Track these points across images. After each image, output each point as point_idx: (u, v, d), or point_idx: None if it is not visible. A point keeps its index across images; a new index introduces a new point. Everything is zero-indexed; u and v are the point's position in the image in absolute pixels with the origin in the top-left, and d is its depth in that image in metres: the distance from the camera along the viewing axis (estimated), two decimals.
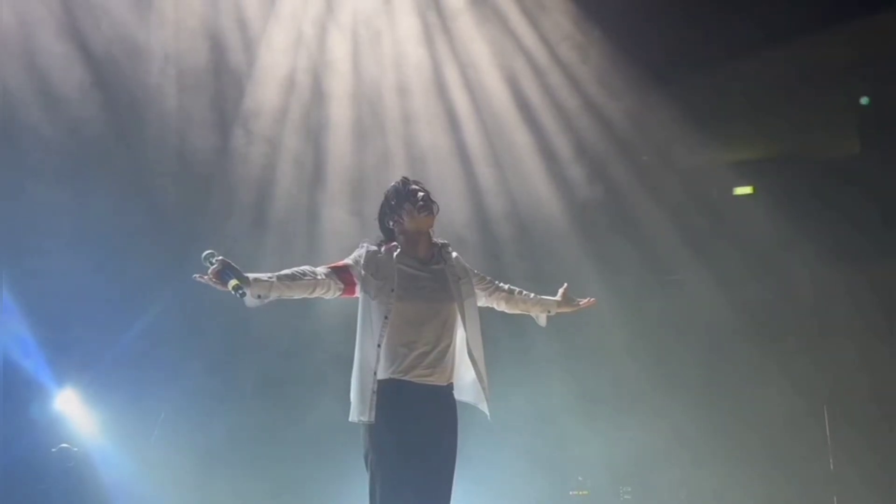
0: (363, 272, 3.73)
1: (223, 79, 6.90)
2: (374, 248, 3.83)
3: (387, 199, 3.89)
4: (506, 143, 7.25)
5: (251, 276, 3.52)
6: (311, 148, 7.16)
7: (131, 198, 6.78)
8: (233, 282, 3.41)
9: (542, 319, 4.22)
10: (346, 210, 7.04)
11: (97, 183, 6.66)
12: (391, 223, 3.87)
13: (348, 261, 3.79)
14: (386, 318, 3.65)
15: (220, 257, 3.46)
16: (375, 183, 6.73)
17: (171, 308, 6.75)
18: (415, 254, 3.81)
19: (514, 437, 6.93)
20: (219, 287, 3.44)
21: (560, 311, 4.19)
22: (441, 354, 3.72)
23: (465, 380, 3.83)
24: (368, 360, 3.65)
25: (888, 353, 6.92)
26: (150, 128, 6.79)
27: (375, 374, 3.63)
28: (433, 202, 3.86)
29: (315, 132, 7.17)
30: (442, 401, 3.75)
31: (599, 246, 7.28)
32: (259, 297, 3.52)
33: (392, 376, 3.65)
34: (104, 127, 6.62)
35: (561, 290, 4.22)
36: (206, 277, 3.45)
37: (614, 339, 7.14)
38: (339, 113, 7.16)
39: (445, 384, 3.76)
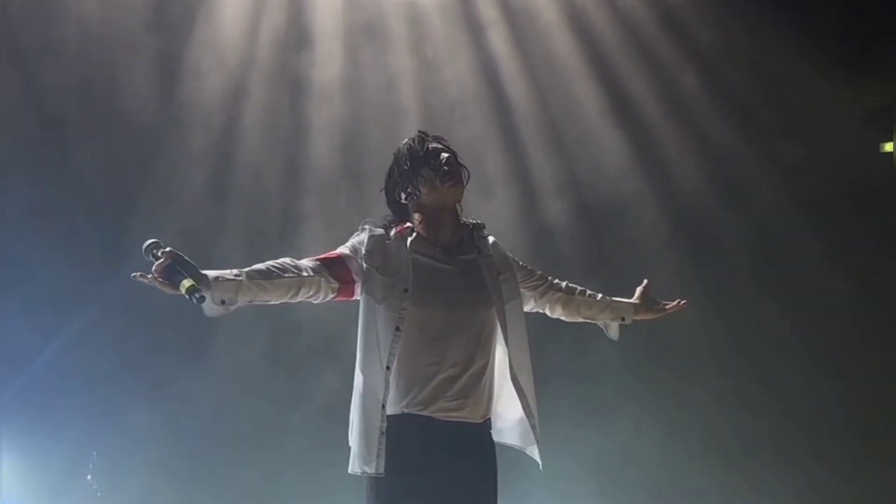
0: (365, 265, 3.70)
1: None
2: (381, 231, 3.80)
3: (397, 162, 3.85)
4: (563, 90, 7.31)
5: (211, 273, 3.44)
6: (287, 95, 7.18)
7: (54, 179, 6.84)
8: (186, 282, 3.34)
9: (612, 329, 4.24)
10: (339, 173, 7.00)
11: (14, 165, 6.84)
12: (403, 196, 3.83)
13: (344, 250, 3.76)
14: (398, 329, 3.61)
15: (168, 249, 3.37)
16: (380, 139, 6.71)
17: (100, 321, 6.78)
18: (436, 239, 3.78)
19: (575, 489, 7.00)
20: (167, 290, 3.36)
21: (638, 317, 4.24)
22: (474, 380, 3.69)
23: (508, 415, 3.85)
24: (374, 389, 3.62)
25: None
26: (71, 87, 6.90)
27: (384, 407, 3.60)
28: (462, 166, 3.81)
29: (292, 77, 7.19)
30: (475, 443, 3.74)
31: (688, 225, 7.36)
32: (223, 302, 3.47)
33: (407, 411, 3.64)
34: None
35: (639, 290, 4.26)
36: (149, 277, 3.37)
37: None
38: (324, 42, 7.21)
39: (480, 421, 3.75)
